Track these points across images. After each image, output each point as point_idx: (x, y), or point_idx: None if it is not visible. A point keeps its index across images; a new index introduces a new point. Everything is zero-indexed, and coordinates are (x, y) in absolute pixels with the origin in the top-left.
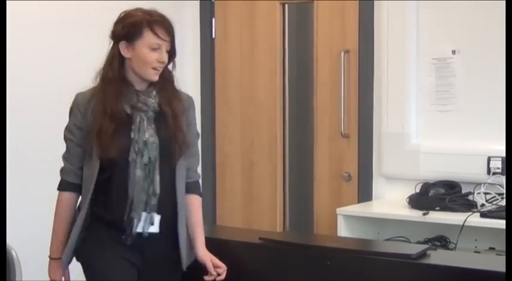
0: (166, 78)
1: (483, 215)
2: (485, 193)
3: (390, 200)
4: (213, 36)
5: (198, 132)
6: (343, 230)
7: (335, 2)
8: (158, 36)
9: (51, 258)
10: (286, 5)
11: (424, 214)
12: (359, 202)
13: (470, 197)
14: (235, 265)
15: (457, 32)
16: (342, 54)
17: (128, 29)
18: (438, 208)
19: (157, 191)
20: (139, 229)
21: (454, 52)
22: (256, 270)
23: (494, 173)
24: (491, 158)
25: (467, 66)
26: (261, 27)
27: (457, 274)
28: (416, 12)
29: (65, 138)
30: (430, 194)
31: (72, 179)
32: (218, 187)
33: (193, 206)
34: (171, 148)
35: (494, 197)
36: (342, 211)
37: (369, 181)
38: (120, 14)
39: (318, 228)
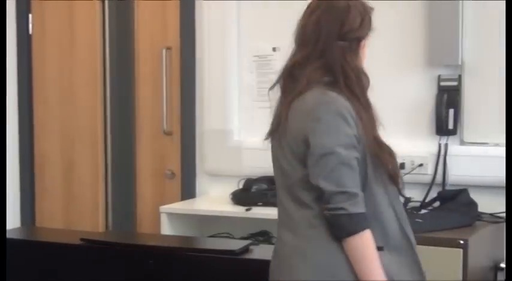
0: None
1: None
2: None
3: (214, 197)
4: (30, 32)
5: None
6: (167, 229)
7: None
8: None
9: None
10: (106, 2)
11: (247, 210)
12: (182, 199)
13: None
14: (57, 268)
15: (278, 30)
16: (164, 51)
17: (370, 25)
18: (261, 203)
19: None
20: None
21: (274, 49)
22: (78, 272)
23: None
24: None
25: None
26: (80, 24)
27: None
28: (237, 10)
29: (345, 157)
30: (252, 190)
31: (364, 210)
32: (37, 188)
33: None
34: None
35: None
36: (165, 209)
37: (192, 178)
38: (355, 7)
39: (142, 227)
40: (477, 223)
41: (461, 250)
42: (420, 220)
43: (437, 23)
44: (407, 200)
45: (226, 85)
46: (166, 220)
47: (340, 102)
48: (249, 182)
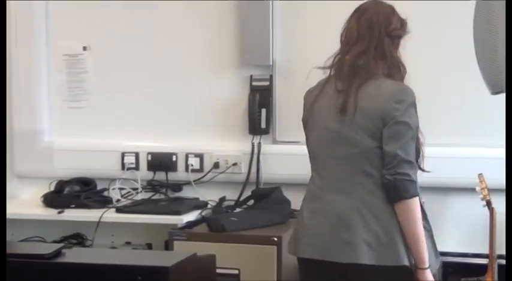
0: None
1: (119, 210)
2: (120, 189)
3: (24, 200)
4: None
5: None
6: None
7: None
8: None
9: (424, 268)
10: None
11: (59, 212)
12: None
13: (105, 193)
14: None
15: (88, 29)
16: None
17: (406, 29)
18: (74, 206)
19: None
20: None
21: (85, 48)
22: None
23: (128, 169)
24: (125, 154)
25: (99, 62)
26: None
27: (92, 270)
28: (45, 9)
29: (415, 134)
30: (65, 192)
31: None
32: None
33: None
34: None
35: (129, 192)
36: None
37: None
38: (397, 13)
39: None
40: (290, 220)
41: (275, 247)
42: (235, 218)
43: (248, 24)
44: (223, 198)
45: (35, 85)
46: None
47: (412, 90)
48: (61, 184)
